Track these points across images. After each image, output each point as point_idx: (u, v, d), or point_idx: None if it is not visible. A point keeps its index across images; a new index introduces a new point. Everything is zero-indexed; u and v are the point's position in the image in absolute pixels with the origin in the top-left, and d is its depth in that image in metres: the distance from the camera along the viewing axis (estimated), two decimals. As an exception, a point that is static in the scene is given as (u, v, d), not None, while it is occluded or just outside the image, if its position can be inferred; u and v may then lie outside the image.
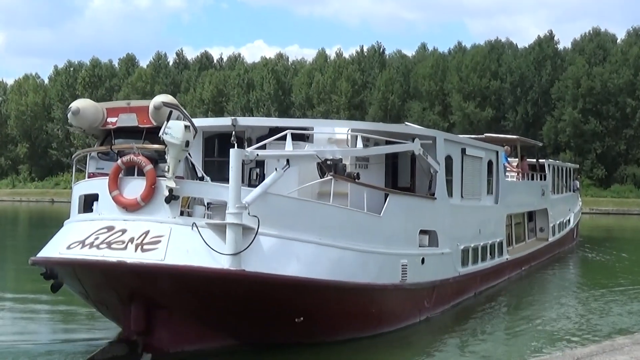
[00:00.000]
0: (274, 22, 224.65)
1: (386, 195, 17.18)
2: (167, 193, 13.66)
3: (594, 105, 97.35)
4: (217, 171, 15.69)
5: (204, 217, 14.29)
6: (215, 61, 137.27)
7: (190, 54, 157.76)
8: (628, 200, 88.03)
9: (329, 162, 15.88)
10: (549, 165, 36.60)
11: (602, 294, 23.78)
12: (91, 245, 13.51)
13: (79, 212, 15.35)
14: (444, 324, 18.85)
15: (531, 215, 33.09)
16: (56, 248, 14.29)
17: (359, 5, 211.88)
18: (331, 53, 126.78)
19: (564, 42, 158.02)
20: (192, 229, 13.41)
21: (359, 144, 17.22)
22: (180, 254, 13.17)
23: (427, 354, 16.00)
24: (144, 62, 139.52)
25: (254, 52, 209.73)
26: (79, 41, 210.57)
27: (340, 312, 15.23)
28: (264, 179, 15.52)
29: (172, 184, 13.60)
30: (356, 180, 16.95)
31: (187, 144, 13.53)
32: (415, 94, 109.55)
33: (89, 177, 15.89)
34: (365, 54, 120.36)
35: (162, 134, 13.41)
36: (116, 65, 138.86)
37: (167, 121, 13.54)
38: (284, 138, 16.20)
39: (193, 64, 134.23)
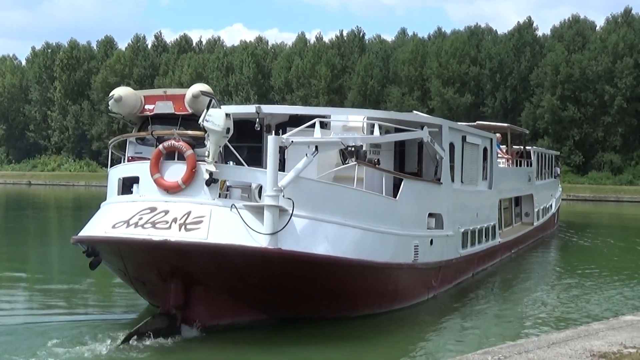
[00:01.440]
0: (254, 6, 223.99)
1: (399, 180, 18.23)
2: (207, 176, 14.68)
3: (573, 92, 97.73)
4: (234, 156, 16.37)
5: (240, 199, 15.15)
6: (194, 44, 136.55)
7: (169, 37, 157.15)
8: (605, 187, 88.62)
9: (350, 149, 16.91)
10: (534, 152, 37.77)
11: (583, 279, 24.43)
12: (136, 224, 14.51)
13: (119, 194, 16.23)
14: (449, 302, 20.07)
15: (518, 200, 33.88)
16: (100, 227, 15.23)
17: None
18: (311, 37, 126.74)
19: (544, 28, 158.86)
20: (231, 210, 14.49)
21: (376, 131, 18.09)
22: (221, 234, 14.24)
23: (435, 331, 16.93)
24: (122, 45, 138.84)
25: (233, 35, 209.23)
26: (57, 23, 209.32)
27: (361, 289, 16.44)
28: (284, 164, 16.49)
29: (212, 168, 14.62)
30: (377, 166, 18.09)
31: (228, 130, 14.52)
32: (394, 79, 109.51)
33: (128, 161, 17.12)
34: (345, 38, 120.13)
35: (203, 121, 14.40)
36: (94, 47, 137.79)
37: (207, 109, 14.50)
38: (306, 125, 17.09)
39: (172, 47, 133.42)
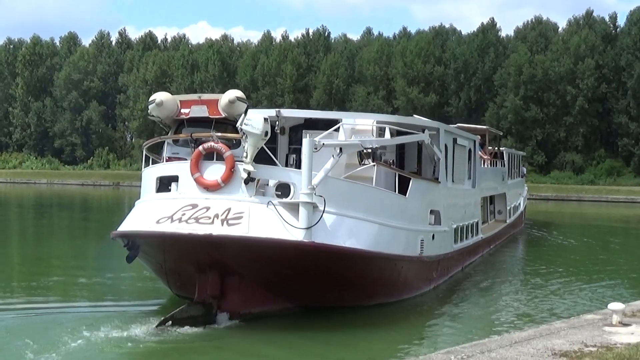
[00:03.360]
0: (218, 3, 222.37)
1: (408, 179, 19.49)
2: (245, 175, 15.89)
3: (535, 92, 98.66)
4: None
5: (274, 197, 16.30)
6: (159, 42, 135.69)
7: (133, 34, 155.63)
8: (567, 186, 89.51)
9: (367, 150, 18.37)
10: (506, 153, 39.61)
11: (549, 277, 24.91)
12: (180, 220, 15.68)
13: (157, 192, 17.38)
14: (447, 293, 21.51)
15: (492, 199, 34.97)
16: (143, 223, 16.41)
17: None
18: (276, 36, 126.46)
19: (507, 29, 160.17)
20: (268, 206, 15.74)
21: (387, 134, 19.69)
22: (260, 228, 15.48)
23: (437, 319, 18.14)
24: (86, 41, 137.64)
25: (198, 33, 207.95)
26: (19, 18, 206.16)
27: (378, 279, 17.87)
28: (299, 164, 17.22)
29: (251, 168, 15.84)
30: (391, 166, 19.72)
31: (266, 133, 15.82)
32: (360, 78, 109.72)
33: (166, 161, 18.32)
34: (311, 37, 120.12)
35: (242, 125, 15.56)
36: (57, 44, 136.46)
37: (245, 114, 15.76)
38: (318, 128, 18.89)
39: (137, 44, 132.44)
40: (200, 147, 16.50)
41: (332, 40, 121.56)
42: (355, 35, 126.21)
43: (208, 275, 15.72)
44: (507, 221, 36.32)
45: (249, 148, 15.78)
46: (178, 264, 16.62)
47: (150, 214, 16.53)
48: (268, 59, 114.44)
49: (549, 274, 25.80)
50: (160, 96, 17.94)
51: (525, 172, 50.64)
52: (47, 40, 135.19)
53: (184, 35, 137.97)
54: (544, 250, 33.72)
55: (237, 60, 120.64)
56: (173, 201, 16.35)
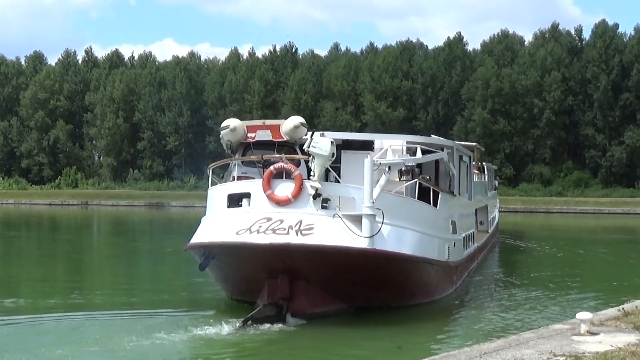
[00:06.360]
0: (184, 21, 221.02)
1: (437, 193, 21.66)
2: (313, 192, 18.03)
3: (503, 105, 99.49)
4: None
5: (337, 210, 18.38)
6: (126, 59, 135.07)
7: (100, 52, 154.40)
8: (535, 198, 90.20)
9: (407, 168, 21.10)
10: (487, 167, 41.56)
11: (520, 287, 25.42)
12: (258, 231, 17.76)
13: (228, 207, 19.30)
14: (471, 295, 23.72)
15: (476, 210, 35.46)
16: (221, 234, 18.43)
17: (270, 4, 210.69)
18: (244, 52, 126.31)
19: (474, 43, 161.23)
20: (334, 218, 17.88)
21: (419, 153, 21.91)
22: (329, 237, 17.56)
23: (461, 318, 20.24)
24: (52, 60, 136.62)
25: (164, 50, 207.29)
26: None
27: (418, 282, 20.16)
28: (339, 178, 19.90)
29: (318, 185, 18.05)
30: (430, 182, 22.05)
31: (333, 155, 18.08)
32: (327, 93, 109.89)
33: (237, 180, 20.36)
34: (278, 53, 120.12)
35: (310, 147, 17.87)
36: (23, 63, 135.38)
37: (312, 138, 18.01)
38: (352, 148, 21.68)
39: (103, 62, 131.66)
40: (272, 167, 18.48)
41: (300, 56, 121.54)
42: (322, 51, 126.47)
43: (278, 280, 17.67)
44: (489, 231, 37.66)
45: (316, 167, 18.00)
46: (250, 270, 18.54)
47: (226, 226, 18.50)
48: (235, 75, 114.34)
49: (519, 284, 26.04)
50: (233, 122, 20.06)
51: (496, 185, 52.24)
52: (12, 59, 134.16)
53: (150, 52, 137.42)
54: (515, 261, 34.30)
55: (204, 77, 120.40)
56: (247, 215, 18.36)
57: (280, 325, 17.44)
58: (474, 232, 29.35)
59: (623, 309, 14.83)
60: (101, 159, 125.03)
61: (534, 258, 36.14)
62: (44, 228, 62.13)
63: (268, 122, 20.56)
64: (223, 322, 17.38)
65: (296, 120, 19.87)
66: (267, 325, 17.27)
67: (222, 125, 20.30)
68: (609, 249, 40.87)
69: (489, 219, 38.86)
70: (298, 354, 16.00)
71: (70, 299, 22.56)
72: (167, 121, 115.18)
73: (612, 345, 11.39)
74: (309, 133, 19.30)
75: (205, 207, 21.32)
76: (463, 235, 25.30)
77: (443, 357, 11.45)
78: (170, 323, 17.74)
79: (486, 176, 40.37)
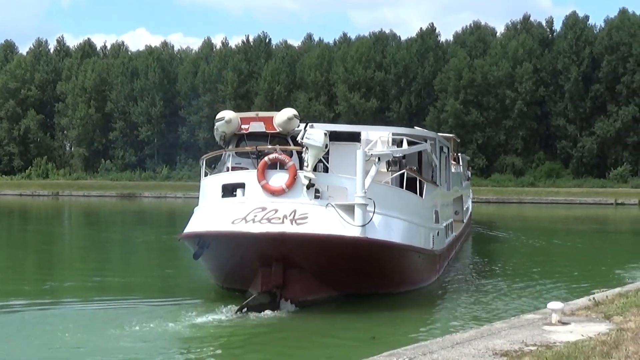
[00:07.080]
0: (157, 10, 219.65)
1: (422, 183, 22.10)
2: (306, 182, 18.27)
3: (475, 96, 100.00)
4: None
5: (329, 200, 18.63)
6: (98, 49, 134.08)
7: (72, 42, 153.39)
8: (507, 189, 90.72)
9: (395, 159, 21.69)
10: (461, 158, 42.19)
11: (492, 278, 25.32)
12: (253, 220, 17.95)
13: (223, 197, 19.56)
14: (447, 284, 23.71)
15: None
16: (216, 224, 18.64)
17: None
18: (217, 42, 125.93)
19: (446, 34, 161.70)
20: (327, 207, 18.12)
21: (405, 144, 22.16)
22: (323, 226, 17.83)
23: (443, 305, 20.55)
24: (23, 49, 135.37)
25: (137, 40, 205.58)
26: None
27: (406, 269, 20.60)
28: (327, 169, 20.47)
29: (311, 175, 18.32)
30: (417, 172, 22.67)
31: (326, 146, 18.47)
32: (301, 84, 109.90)
33: (231, 170, 20.73)
34: (251, 43, 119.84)
35: (303, 139, 18.18)
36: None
37: (305, 129, 18.32)
38: (340, 139, 21.49)
39: (75, 52, 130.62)
40: (266, 158, 18.77)
41: (273, 47, 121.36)
42: (296, 42, 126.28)
43: (271, 268, 17.91)
44: (464, 221, 37.95)
45: (309, 158, 18.29)
46: (245, 259, 18.78)
47: (221, 216, 18.72)
48: (209, 65, 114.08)
49: (492, 274, 26.19)
50: (228, 114, 20.56)
51: (469, 176, 52.35)
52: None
53: (123, 42, 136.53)
54: (488, 250, 34.41)
55: (177, 67, 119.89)
56: (242, 205, 18.58)
57: (272, 312, 17.69)
58: (452, 222, 29.84)
59: (594, 298, 14.93)
60: (72, 149, 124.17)
61: (506, 248, 36.31)
62: (14, 218, 61.55)
63: (261, 114, 21.16)
64: (216, 310, 17.54)
65: (289, 112, 20.43)
66: (261, 312, 17.51)
67: (217, 117, 20.69)
68: (580, 239, 41.24)
69: (464, 209, 39.23)
70: (281, 343, 15.88)
71: (39, 289, 22.33)
72: (139, 111, 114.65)
73: (582, 335, 11.48)
74: (302, 125, 19.52)
75: (198, 197, 21.56)
76: (444, 224, 25.84)
77: (415, 347, 11.48)
78: (164, 312, 17.77)
79: (461, 167, 40.78)
